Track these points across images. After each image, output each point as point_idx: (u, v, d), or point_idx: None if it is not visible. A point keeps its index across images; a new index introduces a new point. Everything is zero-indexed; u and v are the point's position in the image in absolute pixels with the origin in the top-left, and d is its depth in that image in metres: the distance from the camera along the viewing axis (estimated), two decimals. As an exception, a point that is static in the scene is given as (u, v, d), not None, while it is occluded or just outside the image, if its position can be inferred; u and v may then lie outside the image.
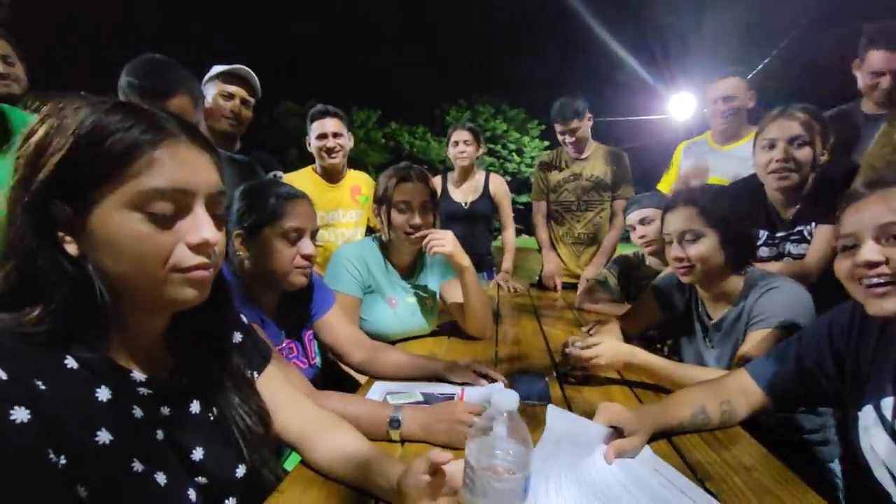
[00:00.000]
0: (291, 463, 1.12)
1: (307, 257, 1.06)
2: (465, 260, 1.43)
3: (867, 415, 0.79)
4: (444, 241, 1.39)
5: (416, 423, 0.86)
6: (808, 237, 1.43)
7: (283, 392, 0.78)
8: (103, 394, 0.50)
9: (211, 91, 1.79)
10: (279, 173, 2.04)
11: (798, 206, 1.45)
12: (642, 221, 1.85)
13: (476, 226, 2.63)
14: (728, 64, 2.20)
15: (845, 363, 0.85)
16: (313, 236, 1.10)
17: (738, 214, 1.17)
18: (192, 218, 0.53)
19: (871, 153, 1.28)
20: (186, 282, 0.53)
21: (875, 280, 0.73)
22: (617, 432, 0.81)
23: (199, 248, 0.53)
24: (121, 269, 0.50)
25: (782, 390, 0.91)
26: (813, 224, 1.42)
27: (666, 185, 2.36)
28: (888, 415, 0.76)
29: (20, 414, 0.42)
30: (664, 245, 1.82)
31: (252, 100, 1.87)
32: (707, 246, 1.14)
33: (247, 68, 1.83)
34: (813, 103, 1.45)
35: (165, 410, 0.57)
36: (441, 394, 1.06)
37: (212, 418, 0.63)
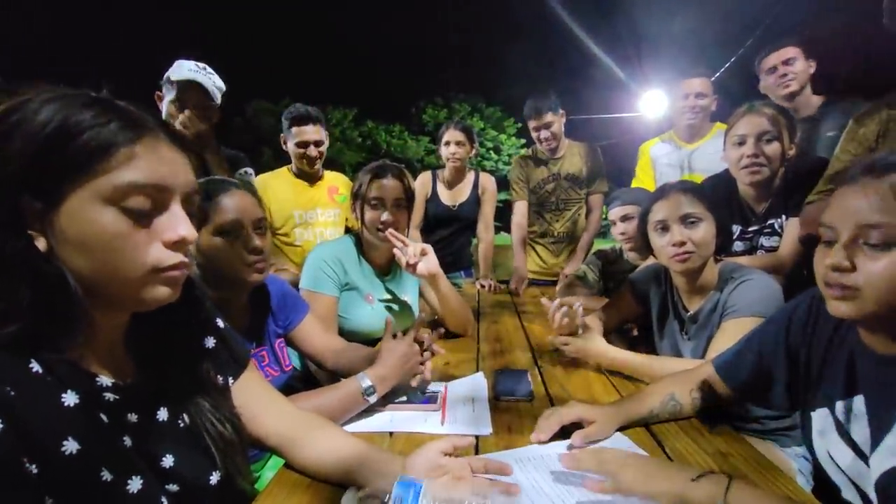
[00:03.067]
0: (273, 468, 1.11)
1: (254, 250, 1.00)
2: (440, 275, 1.45)
3: (822, 418, 0.77)
4: (428, 262, 1.40)
5: (384, 384, 0.96)
6: (780, 230, 1.48)
7: (263, 396, 0.77)
8: (70, 399, 0.48)
9: (168, 95, 1.66)
10: (249, 170, 1.95)
11: (770, 201, 1.50)
12: (624, 218, 1.86)
13: (461, 227, 2.63)
14: (696, 62, 2.31)
15: (799, 359, 0.82)
16: (259, 226, 1.04)
17: (721, 204, 1.21)
18: (170, 215, 0.52)
19: (840, 149, 1.32)
20: (162, 281, 0.52)
21: (834, 284, 0.67)
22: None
23: (177, 245, 0.52)
24: (94, 267, 0.49)
25: (743, 385, 0.91)
26: (784, 217, 1.47)
27: (638, 184, 2.41)
28: (842, 419, 0.72)
29: None
30: (644, 241, 1.87)
31: (213, 103, 1.71)
32: (706, 231, 1.16)
33: (200, 76, 1.65)
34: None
35: (133, 417, 0.55)
36: (424, 393, 1.06)
37: (182, 425, 0.61)
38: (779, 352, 0.85)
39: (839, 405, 0.73)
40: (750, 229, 1.54)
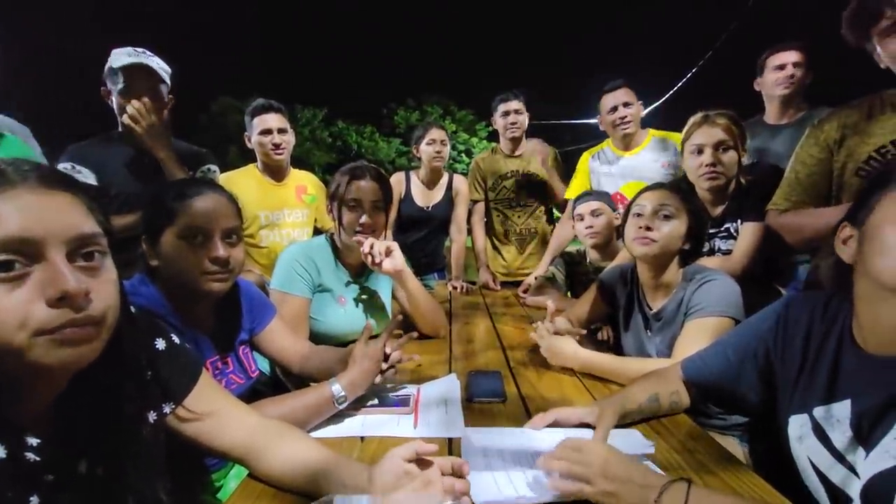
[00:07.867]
0: (237, 477, 1.06)
1: (217, 260, 0.93)
2: (407, 273, 1.45)
3: (800, 423, 0.77)
4: (394, 259, 1.39)
5: (354, 390, 0.94)
6: (735, 234, 1.54)
7: (221, 407, 0.74)
8: None
9: (116, 86, 1.55)
10: (213, 167, 1.84)
11: (725, 205, 1.56)
12: (594, 213, 1.92)
13: (434, 228, 2.63)
14: (656, 72, 2.36)
15: (772, 367, 0.84)
16: (229, 236, 0.97)
17: (700, 214, 1.26)
18: (48, 269, 0.46)
19: (803, 153, 1.35)
20: (58, 343, 0.46)
21: None
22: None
23: (63, 302, 0.46)
24: None
25: (710, 392, 0.95)
26: (739, 221, 1.53)
27: (573, 193, 2.36)
28: (822, 423, 0.73)
29: None
30: (608, 239, 1.93)
31: (163, 86, 1.59)
32: (675, 228, 1.20)
33: (143, 58, 1.53)
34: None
35: (48, 477, 0.51)
36: (396, 396, 1.04)
37: (99, 480, 0.56)
38: (747, 361, 0.87)
39: (819, 410, 0.74)
40: (708, 232, 1.60)
